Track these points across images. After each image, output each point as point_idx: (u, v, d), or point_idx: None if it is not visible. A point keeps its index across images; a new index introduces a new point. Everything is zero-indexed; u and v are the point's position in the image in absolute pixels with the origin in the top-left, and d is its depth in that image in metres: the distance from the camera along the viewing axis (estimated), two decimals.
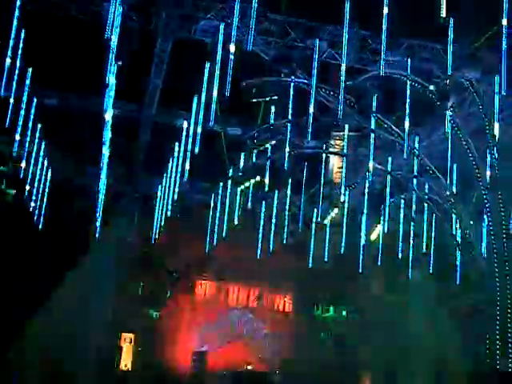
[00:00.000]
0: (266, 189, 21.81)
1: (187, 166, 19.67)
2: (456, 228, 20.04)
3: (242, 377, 25.62)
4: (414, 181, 20.06)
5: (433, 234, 21.21)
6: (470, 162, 19.00)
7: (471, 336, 20.09)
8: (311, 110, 16.95)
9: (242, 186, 22.35)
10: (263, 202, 23.35)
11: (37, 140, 21.33)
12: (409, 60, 18.37)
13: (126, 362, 25.72)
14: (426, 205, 20.86)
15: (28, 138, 20.39)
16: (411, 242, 21.25)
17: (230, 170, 22.10)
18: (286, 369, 26.63)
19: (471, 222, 19.63)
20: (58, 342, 22.23)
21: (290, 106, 18.87)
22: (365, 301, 26.72)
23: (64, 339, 22.30)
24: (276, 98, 19.07)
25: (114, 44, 14.64)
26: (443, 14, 14.57)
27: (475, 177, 19.11)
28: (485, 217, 19.09)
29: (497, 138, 17.37)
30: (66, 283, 23.59)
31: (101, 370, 22.92)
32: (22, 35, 16.42)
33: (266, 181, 21.53)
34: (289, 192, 22.25)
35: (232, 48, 14.90)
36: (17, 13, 15.91)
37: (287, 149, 19.34)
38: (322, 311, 28.57)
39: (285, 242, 22.97)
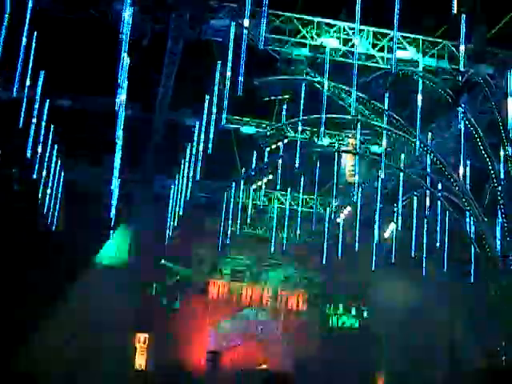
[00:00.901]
0: (278, 187, 21.83)
1: (199, 165, 19.76)
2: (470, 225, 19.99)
3: (256, 376, 25.55)
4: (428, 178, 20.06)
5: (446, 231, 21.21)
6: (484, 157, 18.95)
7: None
8: (323, 108, 17.01)
9: (255, 185, 22.37)
10: (276, 201, 23.39)
11: (50, 141, 21.37)
12: (421, 57, 18.34)
13: (140, 362, 25.78)
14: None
15: (41, 140, 20.42)
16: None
17: (243, 169, 22.12)
18: (299, 368, 26.60)
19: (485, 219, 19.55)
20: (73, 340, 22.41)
21: (302, 104, 18.87)
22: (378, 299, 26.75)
23: (80, 339, 22.46)
24: (288, 97, 19.05)
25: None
26: (454, 10, 14.61)
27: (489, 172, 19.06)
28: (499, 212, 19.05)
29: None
30: (80, 285, 23.70)
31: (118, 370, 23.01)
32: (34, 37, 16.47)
33: (278, 180, 21.54)
34: (301, 190, 22.27)
35: (246, 23, 15.04)
36: (28, 15, 15.93)
37: (298, 148, 19.42)
38: (333, 309, 28.54)
39: (297, 240, 22.97)
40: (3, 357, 19.69)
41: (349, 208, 22.42)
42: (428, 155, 19.61)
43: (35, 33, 16.44)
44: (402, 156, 20.32)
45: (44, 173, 21.92)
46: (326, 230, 22.61)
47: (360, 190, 20.79)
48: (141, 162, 24.77)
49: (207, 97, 18.51)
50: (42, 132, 20.26)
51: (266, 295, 28.58)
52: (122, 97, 16.44)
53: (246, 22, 15.19)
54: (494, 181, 18.92)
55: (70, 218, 23.57)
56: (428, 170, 19.81)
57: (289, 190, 23.07)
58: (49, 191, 22.58)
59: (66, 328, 23.06)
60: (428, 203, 20.78)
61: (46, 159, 21.67)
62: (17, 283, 21.61)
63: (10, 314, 21.24)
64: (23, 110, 18.26)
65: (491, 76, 18.69)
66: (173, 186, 23.67)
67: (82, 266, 24.02)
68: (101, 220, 23.50)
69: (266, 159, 21.09)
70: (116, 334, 23.62)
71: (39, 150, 20.50)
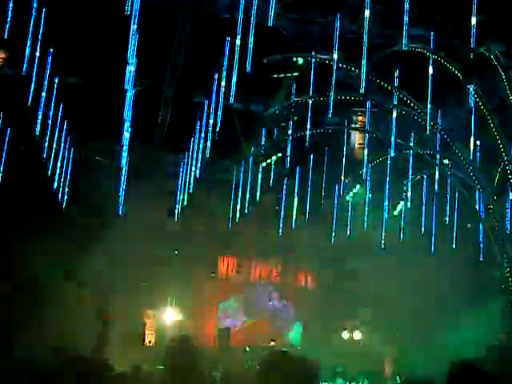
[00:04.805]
0: (288, 165, 21.78)
1: (209, 143, 19.75)
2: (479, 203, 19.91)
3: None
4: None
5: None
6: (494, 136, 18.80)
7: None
8: (332, 86, 16.87)
9: (264, 163, 22.32)
10: (285, 179, 23.34)
11: (59, 119, 21.35)
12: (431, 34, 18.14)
13: (149, 337, 25.97)
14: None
15: (50, 117, 20.41)
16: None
17: (252, 147, 22.07)
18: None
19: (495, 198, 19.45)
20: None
21: (311, 82, 18.74)
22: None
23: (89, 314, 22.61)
24: (298, 74, 18.93)
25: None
26: None
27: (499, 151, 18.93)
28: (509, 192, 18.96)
29: None
30: (90, 260, 23.78)
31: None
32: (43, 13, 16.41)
33: (288, 158, 21.48)
34: (310, 168, 22.22)
35: None
36: None
37: (308, 125, 19.32)
38: None
39: (307, 218, 22.95)
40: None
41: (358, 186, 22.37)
42: (438, 133, 19.50)
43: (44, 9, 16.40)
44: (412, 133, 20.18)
45: (53, 150, 21.90)
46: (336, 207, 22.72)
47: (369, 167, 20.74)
48: (151, 139, 24.76)
49: (216, 74, 18.44)
50: (51, 109, 20.23)
51: (275, 272, 28.67)
52: (131, 73, 16.38)
53: None
54: (505, 159, 18.82)
55: (80, 195, 23.68)
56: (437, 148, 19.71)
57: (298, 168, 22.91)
58: (58, 169, 22.58)
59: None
60: (437, 181, 20.64)
61: (56, 137, 21.65)
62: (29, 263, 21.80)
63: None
64: (32, 87, 18.25)
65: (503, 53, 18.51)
66: (182, 164, 23.67)
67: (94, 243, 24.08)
68: (111, 196, 23.57)
69: (275, 137, 21.04)
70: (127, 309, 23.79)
71: (48, 127, 20.51)
